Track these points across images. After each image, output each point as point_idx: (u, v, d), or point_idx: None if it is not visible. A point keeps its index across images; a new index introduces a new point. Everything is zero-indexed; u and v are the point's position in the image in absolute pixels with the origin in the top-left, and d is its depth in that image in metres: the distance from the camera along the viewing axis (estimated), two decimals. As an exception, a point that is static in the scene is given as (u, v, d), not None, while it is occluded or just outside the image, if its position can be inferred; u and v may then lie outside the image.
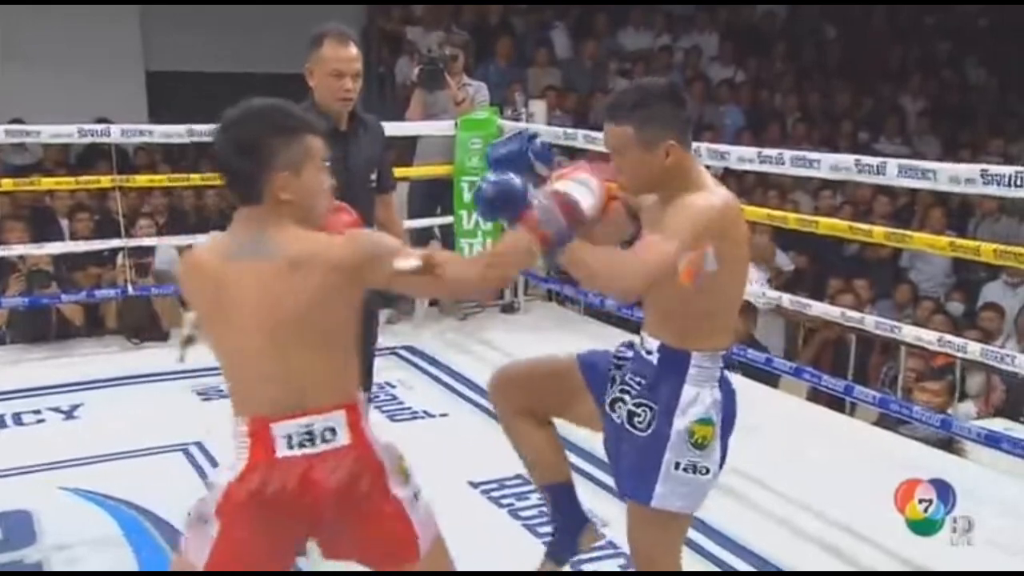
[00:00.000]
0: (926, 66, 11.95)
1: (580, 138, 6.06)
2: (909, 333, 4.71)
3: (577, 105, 9.67)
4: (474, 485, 4.21)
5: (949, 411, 5.42)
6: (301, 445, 2.15)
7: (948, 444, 4.83)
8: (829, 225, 4.97)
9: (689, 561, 2.94)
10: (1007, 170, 3.69)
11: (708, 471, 2.53)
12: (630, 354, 2.70)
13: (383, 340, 4.52)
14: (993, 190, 3.79)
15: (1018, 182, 3.55)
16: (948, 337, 4.51)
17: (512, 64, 9.52)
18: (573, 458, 3.10)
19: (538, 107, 7.59)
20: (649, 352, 2.61)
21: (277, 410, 2.16)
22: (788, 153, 4.65)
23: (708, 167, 6.23)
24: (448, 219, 6.96)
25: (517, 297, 7.38)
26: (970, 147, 10.21)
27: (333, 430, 2.16)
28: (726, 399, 2.58)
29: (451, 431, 4.94)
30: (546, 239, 2.24)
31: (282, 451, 2.15)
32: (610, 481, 2.74)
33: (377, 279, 2.18)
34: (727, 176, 7.55)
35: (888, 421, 5.07)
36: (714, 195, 2.49)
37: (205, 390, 5.32)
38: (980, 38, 12.52)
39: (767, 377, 5.54)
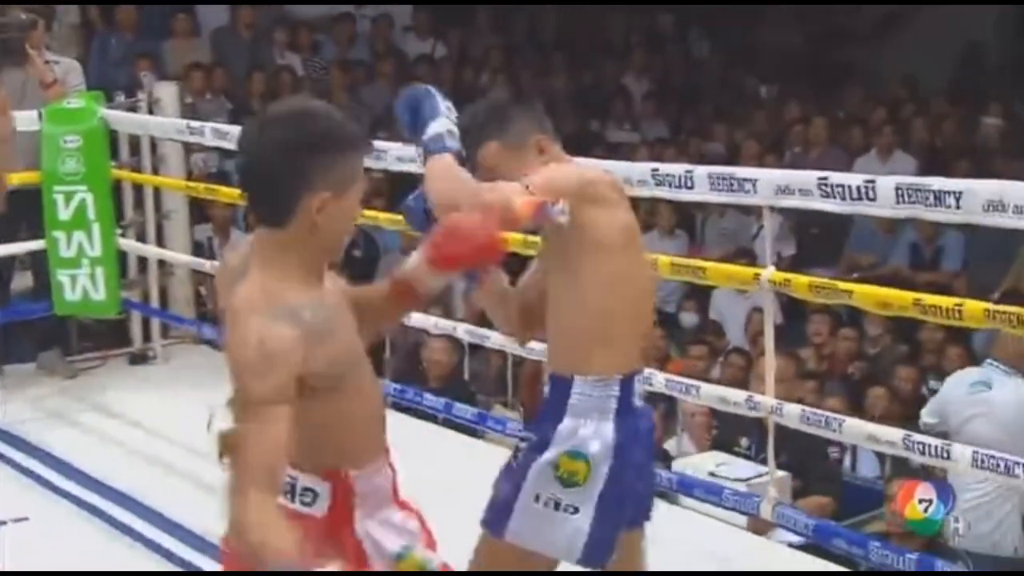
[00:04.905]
0: (651, 41, 11.32)
1: (208, 133, 5.23)
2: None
3: (230, 85, 8.36)
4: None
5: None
6: (286, 495, 2.12)
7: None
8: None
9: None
10: (678, 169, 3.73)
11: (575, 511, 2.46)
12: None
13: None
14: (665, 192, 3.74)
15: (689, 183, 3.63)
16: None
17: (141, 36, 8.20)
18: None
19: (166, 92, 6.21)
20: (545, 384, 2.64)
21: None
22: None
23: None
24: (38, 244, 5.79)
25: (151, 342, 6.05)
26: (698, 133, 9.88)
27: (313, 493, 2.12)
28: (626, 435, 2.47)
29: (33, 543, 3.93)
30: None
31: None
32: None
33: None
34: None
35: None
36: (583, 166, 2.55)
37: None
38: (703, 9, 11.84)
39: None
